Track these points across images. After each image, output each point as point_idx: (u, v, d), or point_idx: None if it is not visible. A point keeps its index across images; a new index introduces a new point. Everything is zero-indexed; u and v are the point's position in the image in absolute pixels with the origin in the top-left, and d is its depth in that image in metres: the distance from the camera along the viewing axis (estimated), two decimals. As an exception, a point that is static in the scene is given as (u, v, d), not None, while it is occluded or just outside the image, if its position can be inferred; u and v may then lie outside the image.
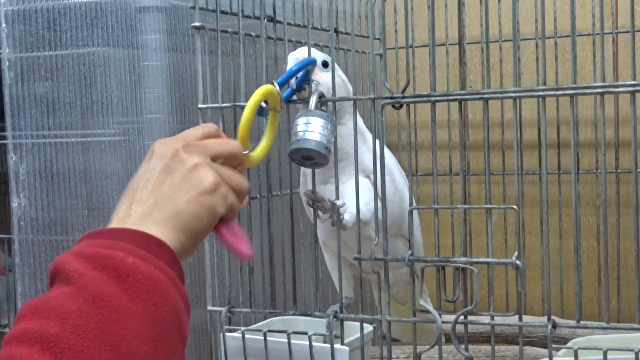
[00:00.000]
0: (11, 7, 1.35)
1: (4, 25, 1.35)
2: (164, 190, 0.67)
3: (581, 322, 1.00)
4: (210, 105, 1.16)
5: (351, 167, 1.10)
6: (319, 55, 1.10)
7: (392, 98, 1.03)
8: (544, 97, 0.98)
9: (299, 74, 1.05)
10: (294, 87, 1.06)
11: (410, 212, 1.06)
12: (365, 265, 1.11)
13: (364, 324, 1.15)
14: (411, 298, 1.06)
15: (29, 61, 1.35)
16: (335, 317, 1.10)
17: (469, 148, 1.72)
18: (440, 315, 1.01)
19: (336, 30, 1.16)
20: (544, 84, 1.00)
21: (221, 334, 1.13)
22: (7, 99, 1.37)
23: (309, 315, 1.14)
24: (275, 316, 1.20)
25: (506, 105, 1.47)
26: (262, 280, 1.28)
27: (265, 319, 1.22)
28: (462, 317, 1.02)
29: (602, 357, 0.95)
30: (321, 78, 1.10)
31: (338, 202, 1.07)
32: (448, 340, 1.03)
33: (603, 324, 1.01)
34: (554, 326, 0.99)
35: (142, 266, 0.59)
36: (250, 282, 1.16)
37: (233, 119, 1.16)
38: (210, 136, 0.74)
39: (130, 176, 0.69)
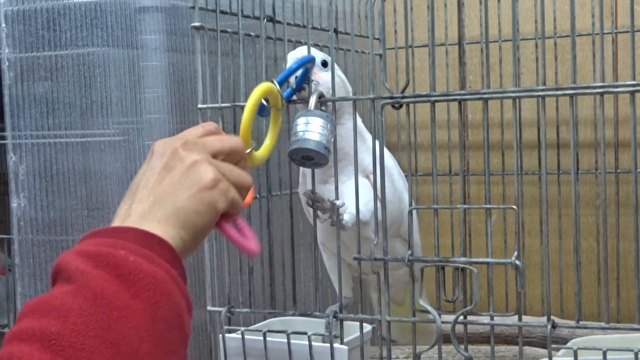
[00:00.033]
0: (11, 7, 1.35)
1: (3, 25, 1.35)
2: (163, 188, 0.67)
3: (581, 322, 1.01)
4: (210, 105, 1.16)
5: (350, 167, 1.10)
6: (318, 55, 1.10)
7: (391, 98, 1.03)
8: (543, 97, 0.98)
9: (299, 73, 1.05)
10: (294, 86, 1.06)
11: (410, 213, 1.06)
12: (364, 266, 1.11)
13: (363, 324, 1.15)
14: (410, 299, 1.06)
15: (28, 61, 1.35)
16: (334, 317, 1.10)
17: (469, 148, 1.72)
18: (439, 315, 1.01)
19: (336, 31, 1.16)
20: (544, 84, 1.00)
21: (221, 335, 1.13)
22: (6, 99, 1.37)
23: (309, 316, 1.14)
24: (275, 316, 1.20)
25: (506, 106, 1.47)
26: (261, 280, 1.28)
27: (264, 319, 1.22)
28: (461, 317, 1.02)
29: (601, 357, 0.95)
30: (321, 78, 1.10)
31: (338, 202, 1.07)
32: (447, 341, 1.03)
33: (603, 324, 1.01)
34: (554, 326, 0.99)
35: (144, 264, 0.59)
36: (249, 282, 1.16)
37: (233, 119, 1.16)
38: (210, 134, 0.73)
39: (130, 176, 0.69)
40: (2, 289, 1.76)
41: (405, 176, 1.23)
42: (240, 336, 1.12)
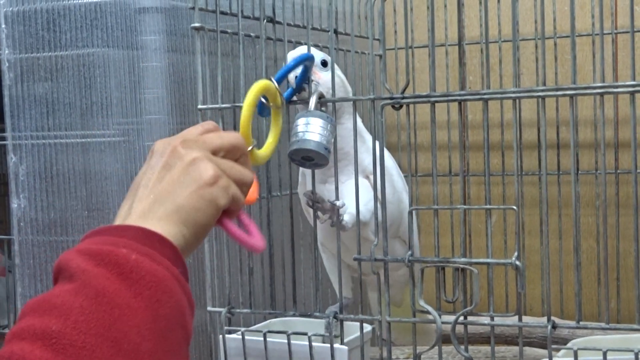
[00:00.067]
0: (11, 8, 1.35)
1: (3, 26, 1.35)
2: (163, 186, 0.67)
3: (581, 323, 1.01)
4: (210, 106, 1.16)
5: (350, 166, 1.10)
6: (318, 54, 1.11)
7: (391, 99, 1.04)
8: (543, 97, 0.98)
9: (299, 72, 1.05)
10: (294, 86, 1.06)
11: (410, 213, 1.06)
12: (364, 267, 1.11)
13: (363, 324, 1.15)
14: (410, 299, 1.06)
15: (28, 62, 1.35)
16: (335, 317, 1.10)
17: (469, 149, 1.72)
18: (440, 315, 1.01)
19: (336, 31, 1.16)
20: (544, 84, 1.00)
21: (221, 335, 1.13)
22: (6, 99, 1.37)
23: (309, 316, 1.14)
24: (275, 317, 1.20)
25: (506, 106, 1.47)
26: (261, 281, 1.28)
27: (265, 319, 1.22)
28: (461, 318, 1.02)
29: (601, 357, 0.95)
30: (320, 78, 1.10)
31: (338, 203, 1.07)
32: (447, 341, 1.03)
33: (603, 324, 1.01)
34: (554, 327, 0.99)
35: (146, 263, 0.59)
36: (250, 282, 1.16)
37: (233, 120, 1.16)
38: (210, 133, 0.73)
39: (130, 177, 0.70)
40: (2, 291, 1.76)
41: (405, 177, 1.23)
42: (240, 337, 1.12)
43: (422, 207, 1.38)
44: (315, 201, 1.09)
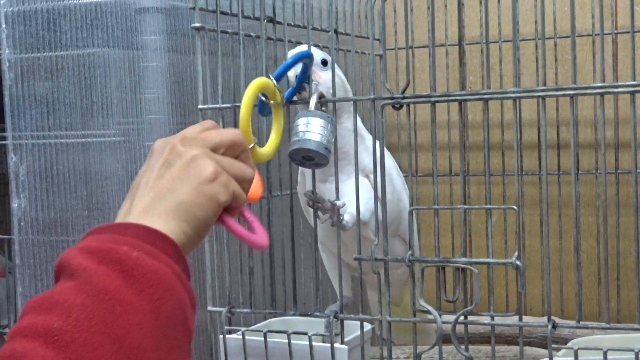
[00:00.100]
0: (11, 8, 1.35)
1: (4, 26, 1.36)
2: (163, 184, 0.67)
3: (581, 323, 1.01)
4: (210, 105, 1.16)
5: (350, 166, 1.10)
6: (318, 54, 1.11)
7: (392, 98, 1.04)
8: (543, 97, 0.98)
9: (299, 71, 1.05)
10: (295, 86, 1.06)
11: (411, 213, 1.06)
12: (364, 266, 1.11)
13: (364, 323, 1.15)
14: (410, 299, 1.06)
15: (29, 62, 1.35)
16: (335, 317, 1.10)
17: (469, 149, 1.72)
18: (440, 315, 1.01)
19: (336, 31, 1.16)
20: (544, 84, 1.00)
21: (221, 335, 1.13)
22: (7, 99, 1.37)
23: (309, 316, 1.14)
24: (276, 317, 1.20)
25: (506, 106, 1.47)
26: (262, 280, 1.28)
27: (265, 319, 1.22)
28: (462, 318, 1.02)
29: (602, 357, 0.95)
30: (321, 77, 1.10)
31: (338, 203, 1.07)
32: (448, 341, 1.03)
33: (603, 324, 1.01)
34: (554, 326, 0.99)
35: (147, 260, 0.59)
36: (250, 282, 1.16)
37: (233, 120, 1.16)
38: (209, 130, 0.73)
39: (131, 177, 0.70)
40: (2, 291, 1.76)
41: (406, 177, 1.24)
42: (240, 336, 1.12)
43: (423, 207, 1.38)
44: (315, 201, 1.09)
